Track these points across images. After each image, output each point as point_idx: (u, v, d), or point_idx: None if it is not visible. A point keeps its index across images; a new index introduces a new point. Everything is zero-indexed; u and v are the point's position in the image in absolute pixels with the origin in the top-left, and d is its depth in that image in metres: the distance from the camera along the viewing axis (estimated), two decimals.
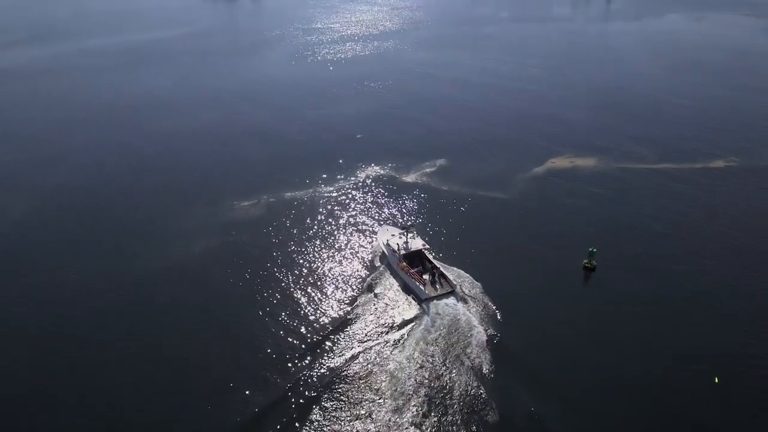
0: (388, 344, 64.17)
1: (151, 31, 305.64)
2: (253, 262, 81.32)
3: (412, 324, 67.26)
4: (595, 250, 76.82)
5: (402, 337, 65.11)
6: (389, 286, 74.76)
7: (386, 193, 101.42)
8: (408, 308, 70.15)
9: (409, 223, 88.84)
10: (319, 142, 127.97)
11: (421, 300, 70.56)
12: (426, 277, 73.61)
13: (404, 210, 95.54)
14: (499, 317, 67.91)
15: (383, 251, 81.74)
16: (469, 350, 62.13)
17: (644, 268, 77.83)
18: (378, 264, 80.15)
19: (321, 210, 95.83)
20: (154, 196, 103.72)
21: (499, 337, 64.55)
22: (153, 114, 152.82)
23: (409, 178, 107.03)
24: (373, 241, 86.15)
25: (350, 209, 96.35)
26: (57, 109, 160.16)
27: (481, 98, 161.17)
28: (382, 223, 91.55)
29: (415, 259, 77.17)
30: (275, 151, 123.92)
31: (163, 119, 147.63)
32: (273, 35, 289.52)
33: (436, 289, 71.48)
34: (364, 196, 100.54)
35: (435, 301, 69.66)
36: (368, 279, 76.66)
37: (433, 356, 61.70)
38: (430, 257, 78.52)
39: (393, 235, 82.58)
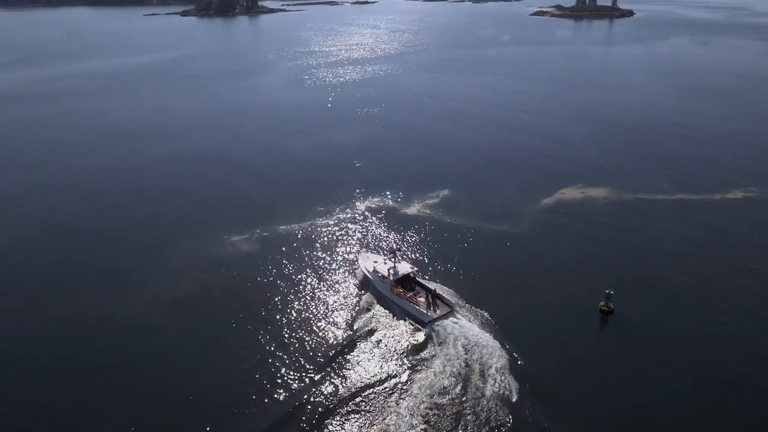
0: (401, 378, 61.38)
1: (144, 54, 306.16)
2: (243, 302, 76.95)
3: (424, 351, 65.36)
4: (612, 292, 72.84)
5: (416, 366, 63.12)
6: (384, 315, 72.91)
7: (387, 227, 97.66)
8: (413, 335, 68.35)
9: (395, 246, 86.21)
10: (316, 170, 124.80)
11: (425, 323, 69.36)
12: (422, 299, 72.80)
13: (407, 245, 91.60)
14: (509, 366, 63.59)
15: (367, 279, 79.50)
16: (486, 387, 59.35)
17: (665, 311, 73.53)
18: (363, 292, 77.96)
19: (317, 245, 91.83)
20: (139, 228, 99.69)
21: (513, 390, 60.17)
22: (141, 140, 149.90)
23: (411, 210, 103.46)
24: (358, 270, 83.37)
25: (348, 244, 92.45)
26: (42, 135, 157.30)
27: (485, 124, 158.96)
28: (361, 250, 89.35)
29: (405, 283, 75.97)
30: (270, 180, 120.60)
31: (152, 146, 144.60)
32: (269, 58, 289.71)
33: (435, 310, 70.86)
34: (363, 230, 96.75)
35: (438, 323, 69.07)
36: (363, 312, 73.84)
37: (449, 392, 59.00)
38: (420, 279, 77.62)
39: (375, 261, 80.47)
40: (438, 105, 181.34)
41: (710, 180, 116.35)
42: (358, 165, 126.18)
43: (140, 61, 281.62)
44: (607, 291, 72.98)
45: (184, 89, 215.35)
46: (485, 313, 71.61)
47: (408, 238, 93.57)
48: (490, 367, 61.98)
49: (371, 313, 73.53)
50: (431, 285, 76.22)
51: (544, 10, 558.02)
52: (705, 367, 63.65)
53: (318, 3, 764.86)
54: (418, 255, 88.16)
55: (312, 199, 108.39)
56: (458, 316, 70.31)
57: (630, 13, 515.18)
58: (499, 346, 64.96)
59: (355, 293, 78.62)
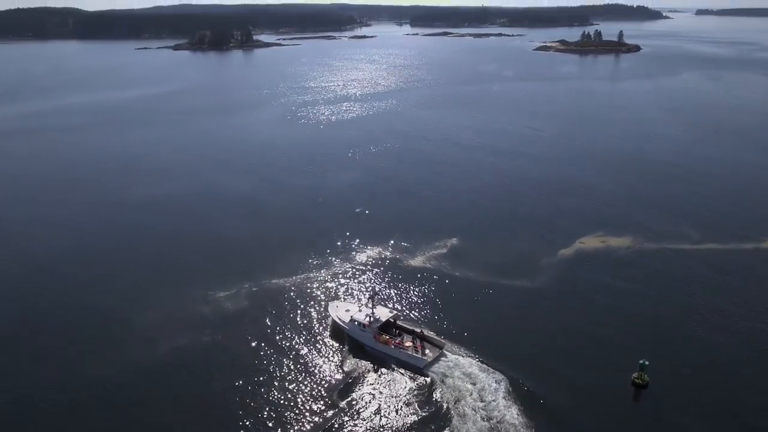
0: None
1: (132, 88, 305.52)
2: (228, 370, 70.56)
3: (432, 399, 63.77)
4: (647, 363, 66.78)
5: (429, 420, 60.99)
6: (370, 368, 70.51)
7: (390, 281, 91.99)
8: (412, 384, 66.60)
9: (373, 291, 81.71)
10: (312, 216, 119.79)
11: (421, 369, 68.28)
12: (409, 344, 71.84)
13: (412, 302, 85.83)
14: None
15: (341, 329, 76.47)
16: None
17: (708, 386, 67.47)
18: (340, 345, 75.05)
19: (312, 303, 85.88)
20: (113, 281, 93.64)
21: None
22: (121, 181, 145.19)
23: (417, 262, 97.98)
24: (329, 320, 79.86)
25: (347, 301, 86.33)
26: (16, 172, 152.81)
27: (494, 166, 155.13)
28: (332, 298, 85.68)
29: (388, 329, 74.23)
30: (261, 226, 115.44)
31: (132, 188, 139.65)
32: (263, 93, 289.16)
33: (426, 354, 70.02)
34: (362, 285, 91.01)
35: (435, 365, 68.48)
36: (349, 370, 70.58)
37: None
38: (401, 322, 76.32)
39: (348, 309, 78.08)
40: (442, 144, 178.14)
41: (739, 226, 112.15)
42: (358, 210, 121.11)
43: (127, 96, 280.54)
44: (641, 361, 67.03)
45: (171, 126, 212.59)
46: (503, 380, 66.43)
47: (414, 292, 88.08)
48: None
49: (355, 369, 70.69)
50: (412, 327, 75.48)
51: (548, 44, 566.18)
52: None
53: (314, 37, 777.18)
54: (428, 312, 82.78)
55: (307, 249, 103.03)
56: (449, 354, 70.44)
57: (636, 48, 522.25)
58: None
59: (342, 352, 74.48)
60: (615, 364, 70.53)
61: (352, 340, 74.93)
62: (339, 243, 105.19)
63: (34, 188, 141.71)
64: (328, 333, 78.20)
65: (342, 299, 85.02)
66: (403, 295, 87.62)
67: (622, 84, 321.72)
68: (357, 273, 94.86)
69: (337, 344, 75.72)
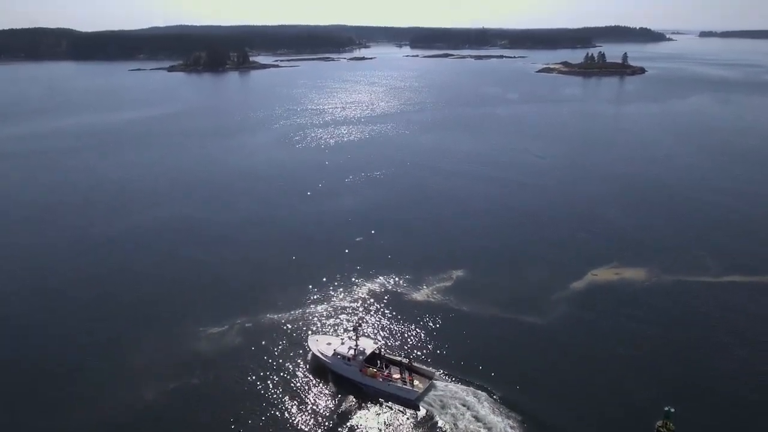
0: None
1: (128, 111, 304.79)
2: (221, 417, 67.01)
3: None
4: (672, 410, 63.19)
5: None
6: (357, 403, 68.82)
7: (392, 317, 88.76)
8: (406, 418, 65.15)
9: (357, 323, 79.84)
10: (310, 246, 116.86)
11: (413, 401, 67.36)
12: (397, 376, 70.70)
13: (417, 340, 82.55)
14: None
15: (321, 363, 74.50)
16: None
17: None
18: (321, 381, 73.03)
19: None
20: (95, 317, 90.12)
21: None
22: (111, 207, 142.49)
23: (421, 296, 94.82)
24: (309, 355, 77.37)
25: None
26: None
27: (499, 193, 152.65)
28: (312, 332, 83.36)
29: (374, 361, 73.01)
30: (256, 256, 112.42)
31: (122, 214, 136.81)
32: (259, 116, 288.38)
33: (416, 385, 69.18)
34: (363, 320, 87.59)
35: (426, 396, 67.68)
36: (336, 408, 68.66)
37: None
38: (387, 354, 75.34)
39: (329, 343, 76.33)
40: (445, 169, 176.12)
41: (760, 256, 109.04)
42: (358, 240, 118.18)
43: (120, 119, 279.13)
44: (666, 408, 63.37)
45: (164, 149, 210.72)
46: (507, 417, 64.61)
47: (421, 330, 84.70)
48: None
49: (342, 406, 68.64)
50: (400, 357, 74.62)
51: (551, 66, 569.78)
52: None
53: (312, 58, 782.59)
54: (438, 352, 79.32)
55: (305, 280, 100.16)
56: (440, 384, 70.04)
57: (641, 70, 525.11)
58: None
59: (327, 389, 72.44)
60: (636, 410, 67.19)
61: (336, 375, 73.05)
62: (338, 274, 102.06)
63: (18, 215, 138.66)
64: (309, 369, 75.81)
65: (321, 332, 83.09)
66: (402, 331, 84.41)
67: (628, 107, 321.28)
68: (358, 308, 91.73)
69: (320, 380, 73.45)
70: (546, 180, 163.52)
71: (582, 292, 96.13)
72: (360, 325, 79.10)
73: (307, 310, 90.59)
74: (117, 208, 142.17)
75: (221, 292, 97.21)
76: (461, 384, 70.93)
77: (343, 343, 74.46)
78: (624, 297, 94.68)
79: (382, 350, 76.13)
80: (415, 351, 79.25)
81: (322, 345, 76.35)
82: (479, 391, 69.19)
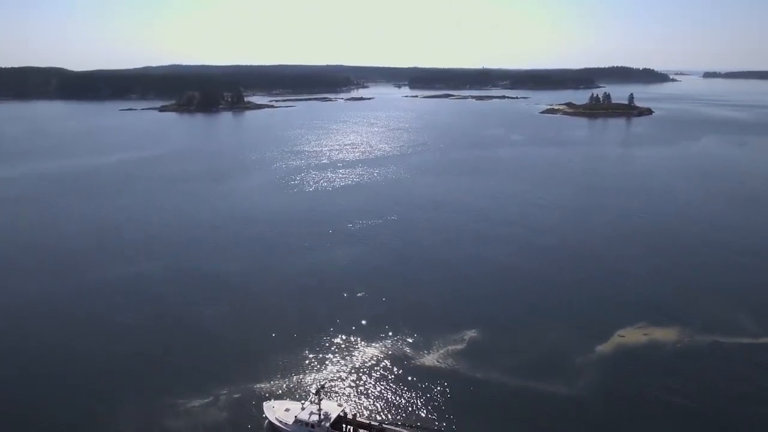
0: None
1: (112, 153, 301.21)
2: None
3: None
4: None
5: None
6: None
7: (396, 386, 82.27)
8: None
9: (320, 385, 76.78)
10: (305, 302, 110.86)
11: None
12: None
13: (425, 411, 75.58)
14: None
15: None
16: None
17: None
18: None
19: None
20: (61, 388, 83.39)
21: None
22: (89, 258, 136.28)
23: (429, 360, 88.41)
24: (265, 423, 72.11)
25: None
26: None
27: (511, 244, 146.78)
28: (268, 398, 77.52)
29: (341, 426, 68.57)
30: (246, 314, 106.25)
31: (100, 266, 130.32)
32: (252, 158, 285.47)
33: None
34: (365, 390, 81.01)
35: None
36: None
37: None
38: (359, 418, 71.04)
39: (287, 409, 71.44)
40: (450, 218, 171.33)
41: None
42: (359, 295, 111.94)
43: (106, 162, 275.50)
44: None
45: (151, 194, 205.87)
46: None
47: (426, 400, 77.73)
48: None
49: None
50: (369, 420, 71.05)
51: (555, 107, 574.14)
52: None
53: (309, 99, 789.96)
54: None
55: (299, 343, 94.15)
56: None
57: (648, 111, 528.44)
58: None
59: None
60: None
61: None
62: (338, 336, 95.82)
63: None
64: None
65: (277, 397, 77.96)
66: (408, 401, 77.40)
67: (641, 150, 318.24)
68: (362, 380, 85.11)
69: None
70: (562, 230, 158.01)
71: (609, 356, 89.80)
72: (323, 387, 75.54)
73: (305, 379, 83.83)
74: (95, 259, 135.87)
75: (207, 356, 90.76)
76: None
77: (303, 408, 70.43)
78: (657, 361, 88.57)
79: (349, 413, 71.30)
80: (388, 413, 72.89)
81: (279, 412, 71.71)
82: None
